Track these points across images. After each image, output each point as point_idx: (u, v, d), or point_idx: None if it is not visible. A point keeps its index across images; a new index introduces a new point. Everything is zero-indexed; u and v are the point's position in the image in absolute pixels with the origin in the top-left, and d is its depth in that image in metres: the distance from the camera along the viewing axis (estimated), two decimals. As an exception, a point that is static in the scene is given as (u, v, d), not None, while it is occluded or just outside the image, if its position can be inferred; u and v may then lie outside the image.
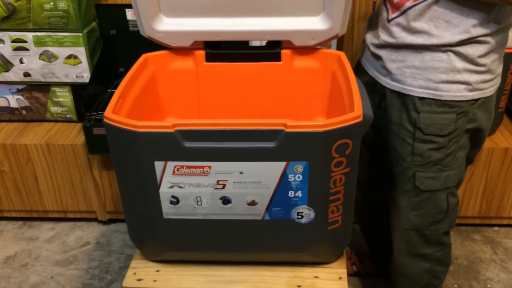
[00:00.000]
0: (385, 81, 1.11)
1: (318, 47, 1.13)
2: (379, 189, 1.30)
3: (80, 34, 1.58)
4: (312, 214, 0.93)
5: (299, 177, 0.89)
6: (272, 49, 1.13)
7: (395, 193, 1.16)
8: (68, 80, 1.66)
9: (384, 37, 1.09)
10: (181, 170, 0.89)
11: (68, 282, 1.62)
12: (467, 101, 1.03)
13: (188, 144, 0.87)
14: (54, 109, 1.74)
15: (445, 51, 1.01)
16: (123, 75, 1.76)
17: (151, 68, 1.14)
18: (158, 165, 0.89)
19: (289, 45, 1.12)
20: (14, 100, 1.73)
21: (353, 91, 0.95)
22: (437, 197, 1.12)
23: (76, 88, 1.70)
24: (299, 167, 0.88)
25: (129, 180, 0.93)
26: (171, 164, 0.89)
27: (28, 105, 1.73)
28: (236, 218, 0.95)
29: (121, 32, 1.67)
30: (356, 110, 0.88)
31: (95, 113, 1.58)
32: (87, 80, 1.66)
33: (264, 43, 1.15)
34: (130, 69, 1.08)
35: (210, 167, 0.89)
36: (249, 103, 1.20)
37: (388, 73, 1.10)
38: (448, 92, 1.03)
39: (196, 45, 1.13)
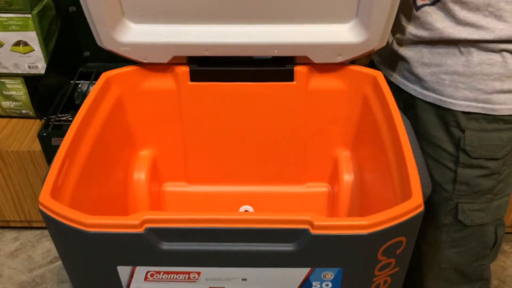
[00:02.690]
0: (415, 90, 0.85)
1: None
2: None
3: (29, 15, 1.23)
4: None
5: (327, 285, 0.62)
6: (282, 66, 0.82)
7: (430, 226, 0.90)
8: (19, 71, 1.33)
9: (412, 29, 0.81)
10: (157, 276, 0.62)
11: (34, 312, 1.38)
12: None
13: (166, 246, 0.59)
14: (6, 103, 1.42)
15: (499, 51, 0.75)
16: (89, 60, 1.46)
17: (116, 90, 0.83)
18: (123, 270, 0.61)
19: (305, 60, 0.81)
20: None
21: (402, 146, 0.66)
22: (485, 231, 0.87)
23: (30, 80, 1.37)
24: (329, 274, 0.61)
25: (85, 284, 0.65)
26: (141, 270, 0.61)
27: (-26, 98, 1.41)
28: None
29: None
30: (415, 194, 0.59)
31: (53, 116, 1.27)
32: (42, 71, 1.33)
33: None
34: (87, 96, 0.78)
35: (199, 273, 0.61)
36: (250, 134, 0.90)
37: (418, 79, 0.84)
38: (504, 105, 0.77)
39: (176, 60, 0.81)
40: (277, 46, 0.78)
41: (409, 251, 0.63)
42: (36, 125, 1.43)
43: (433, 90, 0.81)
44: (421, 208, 0.59)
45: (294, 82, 0.83)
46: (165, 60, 0.80)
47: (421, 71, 0.82)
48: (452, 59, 0.78)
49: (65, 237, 0.60)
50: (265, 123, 0.89)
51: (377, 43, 0.77)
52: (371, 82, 0.81)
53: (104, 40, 0.77)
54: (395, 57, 0.88)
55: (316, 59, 0.79)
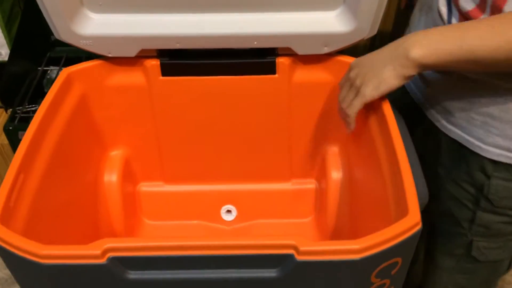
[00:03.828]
0: (438, 119, 0.73)
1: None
2: None
3: (-13, -3, 1.13)
4: None
5: (314, 310, 0.56)
6: (263, 57, 0.74)
7: (438, 251, 0.84)
8: (-20, 59, 1.24)
9: None
10: (125, 306, 0.55)
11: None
12: None
13: (133, 275, 0.52)
14: (-31, 92, 1.32)
15: None
16: (58, 44, 1.36)
17: (79, 87, 0.75)
18: (87, 301, 0.55)
19: (288, 51, 0.73)
20: None
21: (396, 149, 0.60)
22: (498, 265, 0.81)
23: (-6, 67, 1.27)
24: (316, 300, 0.55)
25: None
26: (107, 300, 0.55)
27: None
28: None
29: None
30: (412, 210, 0.53)
31: (20, 108, 1.17)
32: (6, 58, 1.23)
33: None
34: (45, 97, 0.69)
35: (172, 301, 0.55)
36: (231, 131, 0.83)
37: (444, 110, 0.71)
38: None
39: (145, 53, 0.73)
40: (257, 37, 0.69)
41: (405, 269, 0.57)
42: (3, 116, 1.34)
43: (460, 128, 0.69)
44: (419, 226, 0.52)
45: (276, 75, 0.76)
46: (132, 53, 0.71)
47: (449, 103, 0.69)
48: (488, 99, 0.65)
49: (19, 267, 0.53)
50: (246, 118, 0.82)
51: (367, 32, 0.69)
52: (360, 74, 0.74)
53: (61, 33, 0.69)
54: (419, 76, 0.75)
55: (300, 51, 0.72)
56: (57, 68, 1.27)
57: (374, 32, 0.70)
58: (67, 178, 0.72)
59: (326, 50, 0.71)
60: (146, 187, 0.91)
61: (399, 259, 0.53)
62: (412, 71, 0.60)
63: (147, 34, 0.69)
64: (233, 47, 0.71)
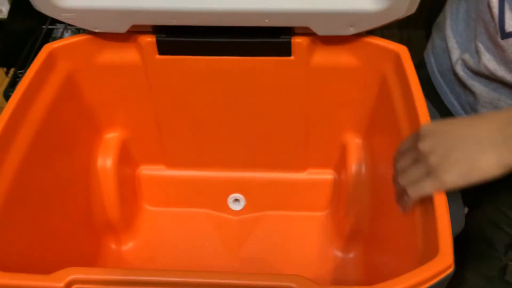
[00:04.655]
0: None
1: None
2: None
3: None
4: None
5: None
6: (277, 37, 0.63)
7: (468, 269, 0.74)
8: (-20, 16, 1.15)
9: (489, 62, 0.57)
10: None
11: None
12: None
13: (105, 308, 0.44)
14: (-28, 51, 1.25)
15: None
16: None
17: (64, 66, 0.65)
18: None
19: (307, 30, 0.61)
20: None
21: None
22: None
23: (-4, 25, 1.18)
24: None
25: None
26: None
27: None
28: None
29: None
30: (444, 247, 0.43)
31: (22, 71, 1.09)
32: (6, 15, 1.14)
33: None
34: (23, 77, 0.61)
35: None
36: (240, 115, 0.73)
37: None
38: None
39: (138, 28, 0.62)
40: (268, 15, 0.58)
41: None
42: (5, 80, 1.26)
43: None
44: (451, 269, 0.43)
45: (291, 57, 0.64)
46: (122, 29, 0.61)
47: None
48: None
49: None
50: (257, 102, 0.71)
51: (404, 11, 0.57)
52: (392, 59, 0.62)
53: (39, 4, 0.59)
54: (458, 81, 0.64)
55: (320, 31, 0.60)
56: (63, 26, 1.17)
57: (413, 10, 0.58)
58: (52, 165, 0.65)
59: (352, 31, 0.59)
60: (146, 170, 0.83)
61: (423, 304, 0.44)
62: None
63: (138, 8, 0.58)
64: (238, 25, 0.59)
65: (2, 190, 0.53)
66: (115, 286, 0.42)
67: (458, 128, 0.46)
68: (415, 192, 0.48)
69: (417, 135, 0.49)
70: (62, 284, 0.42)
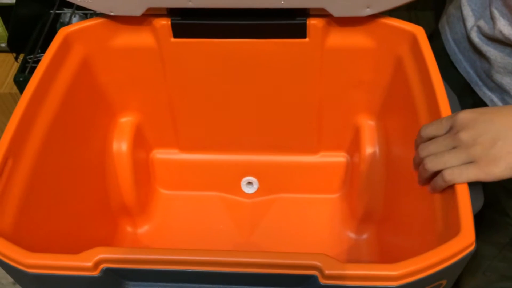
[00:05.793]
0: (492, 101, 0.64)
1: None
2: None
3: None
4: None
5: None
6: (292, 19, 0.63)
7: (480, 238, 0.75)
8: (-12, 1, 1.15)
9: (503, 27, 0.57)
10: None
11: None
12: None
13: (132, 287, 0.45)
14: (-20, 37, 1.25)
15: None
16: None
17: (79, 50, 0.65)
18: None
19: (322, 11, 0.61)
20: None
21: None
22: None
23: (4, 10, 1.18)
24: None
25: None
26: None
27: None
28: None
29: None
30: (465, 227, 0.43)
31: (31, 56, 1.09)
32: (14, 0, 1.14)
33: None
34: (40, 61, 0.61)
35: (177, 313, 0.49)
36: (253, 98, 0.73)
37: (499, 89, 0.62)
38: None
39: (153, 11, 0.62)
40: (285, -4, 0.58)
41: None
42: (15, 65, 1.26)
43: None
44: (472, 247, 0.43)
45: (306, 39, 0.64)
46: (138, 12, 0.61)
47: (507, 81, 0.60)
48: None
49: (9, 273, 0.47)
50: (271, 85, 0.71)
51: (421, -8, 0.57)
52: (408, 41, 0.62)
53: (55, -12, 0.59)
54: (472, 48, 0.64)
55: (335, 12, 0.60)
56: (71, 10, 1.17)
57: (429, -10, 0.57)
58: (70, 150, 0.65)
59: (368, 12, 0.59)
60: (160, 154, 0.84)
61: (443, 281, 0.45)
62: None
63: (155, -10, 0.58)
64: (254, 7, 0.59)
65: (25, 175, 0.54)
66: (141, 265, 0.43)
67: (502, 118, 0.46)
68: (455, 178, 0.47)
69: (451, 122, 0.48)
70: (90, 264, 0.43)
